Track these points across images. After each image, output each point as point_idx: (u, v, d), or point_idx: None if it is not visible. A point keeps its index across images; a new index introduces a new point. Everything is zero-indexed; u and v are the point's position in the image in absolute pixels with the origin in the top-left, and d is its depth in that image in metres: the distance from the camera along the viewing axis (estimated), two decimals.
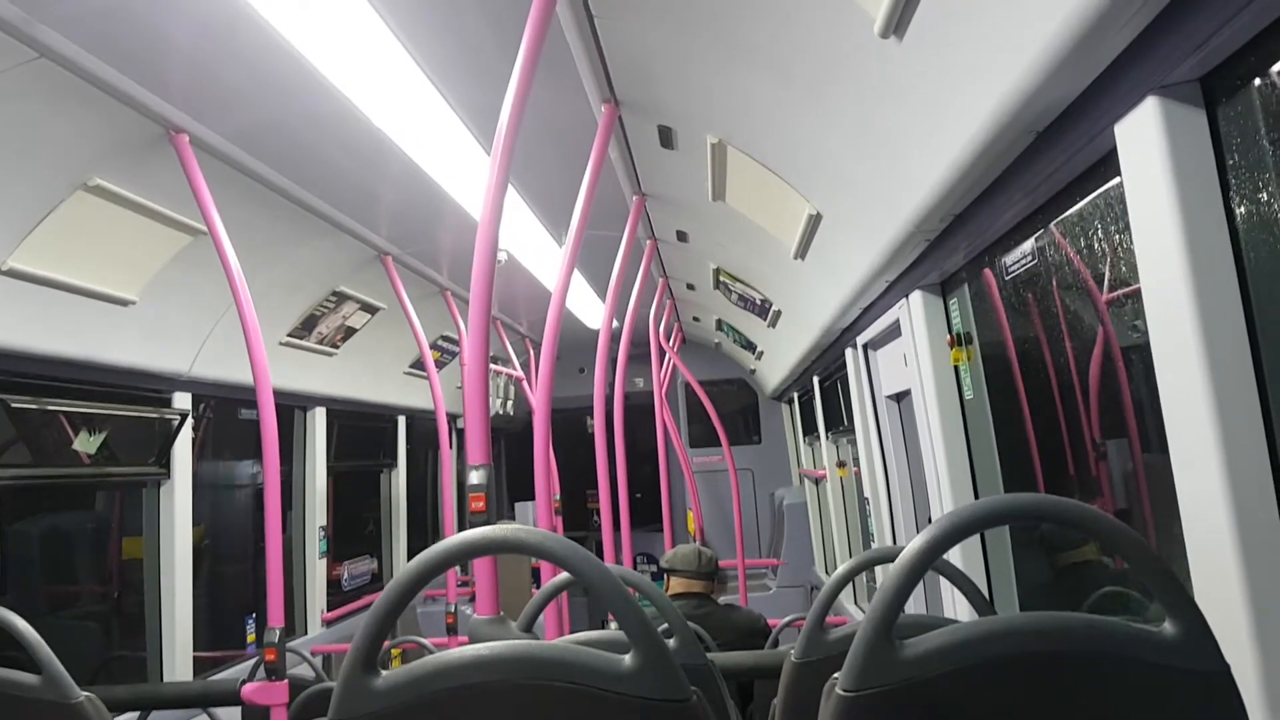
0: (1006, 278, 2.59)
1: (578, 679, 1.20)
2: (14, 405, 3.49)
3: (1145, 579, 1.17)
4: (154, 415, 4.23)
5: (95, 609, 4.52)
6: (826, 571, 7.70)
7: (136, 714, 3.51)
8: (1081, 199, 2.05)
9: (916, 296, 3.13)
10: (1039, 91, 1.63)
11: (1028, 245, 2.40)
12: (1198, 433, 1.53)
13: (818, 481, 7.66)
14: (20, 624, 2.05)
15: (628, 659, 1.22)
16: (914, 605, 4.33)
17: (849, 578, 2.20)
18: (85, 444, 3.94)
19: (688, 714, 1.21)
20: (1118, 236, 1.94)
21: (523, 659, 1.22)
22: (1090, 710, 1.15)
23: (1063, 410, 2.46)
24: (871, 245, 2.96)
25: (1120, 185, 1.72)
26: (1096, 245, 2.07)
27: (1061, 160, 1.86)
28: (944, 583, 3.15)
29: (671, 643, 2.03)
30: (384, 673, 1.22)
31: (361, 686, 1.21)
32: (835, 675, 1.22)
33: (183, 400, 4.34)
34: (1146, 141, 1.55)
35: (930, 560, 1.19)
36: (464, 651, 1.23)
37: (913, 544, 1.20)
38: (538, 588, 6.98)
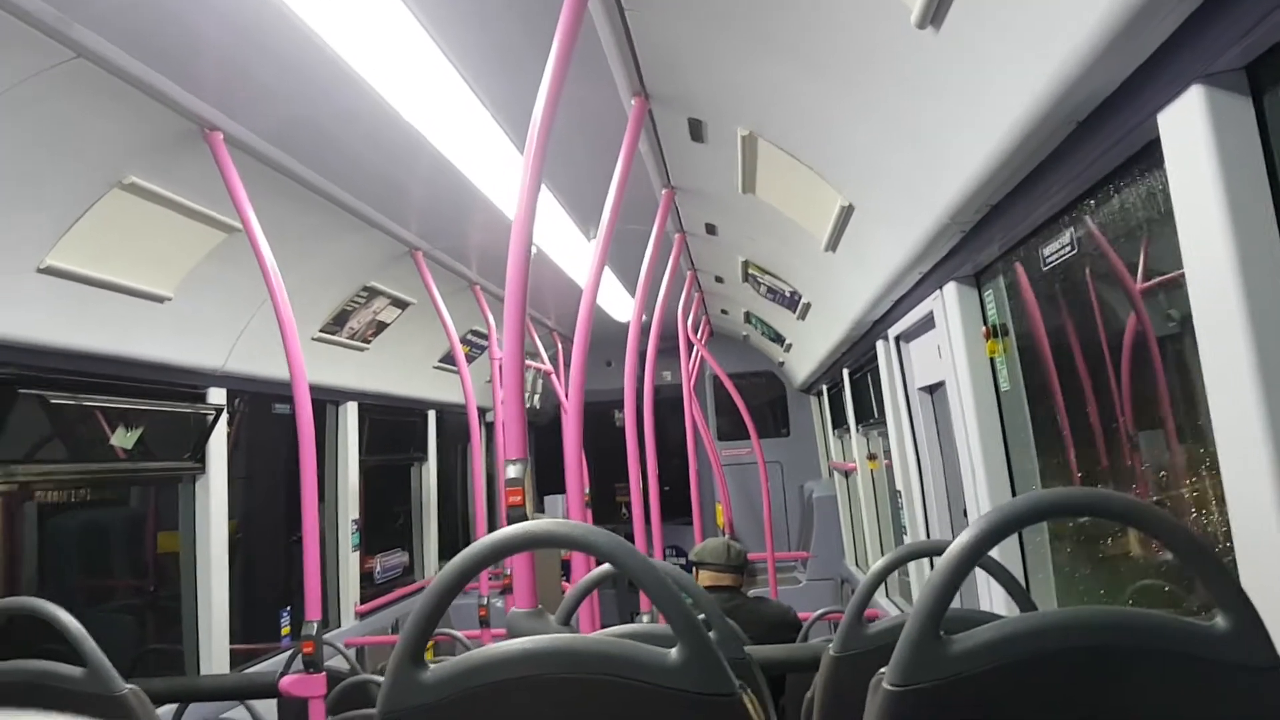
0: (1043, 268, 2.57)
1: (624, 673, 1.21)
2: (52, 401, 3.53)
3: (1196, 573, 1.16)
4: (189, 410, 4.27)
5: (131, 602, 4.57)
6: (856, 565, 7.68)
7: (174, 707, 3.55)
8: (1121, 189, 2.03)
9: (951, 288, 3.11)
10: (1080, 81, 1.61)
11: (1065, 236, 2.38)
12: (1245, 425, 1.51)
13: (847, 474, 7.63)
14: (65, 617, 2.08)
15: (673, 653, 1.22)
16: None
17: (888, 571, 2.19)
18: (122, 439, 3.98)
19: (734, 707, 1.21)
20: (1158, 227, 1.92)
21: (569, 653, 1.22)
22: (1140, 705, 1.14)
23: (1100, 402, 2.44)
24: (905, 237, 2.94)
25: (1161, 175, 1.70)
26: (1136, 236, 2.04)
27: (1102, 150, 1.84)
28: (979, 576, 3.13)
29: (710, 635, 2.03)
30: (432, 666, 1.23)
31: (410, 680, 1.22)
32: (881, 670, 1.22)
33: (217, 395, 4.38)
34: (1191, 131, 1.53)
35: (980, 554, 1.18)
36: (511, 645, 1.23)
37: (961, 538, 1.19)
38: (567, 580, 6.99)
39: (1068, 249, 2.39)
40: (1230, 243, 1.48)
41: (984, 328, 3.01)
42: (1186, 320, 1.72)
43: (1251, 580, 1.57)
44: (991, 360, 3.03)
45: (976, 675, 1.15)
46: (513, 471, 2.26)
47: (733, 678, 1.22)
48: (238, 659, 4.68)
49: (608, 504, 10.09)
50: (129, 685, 2.05)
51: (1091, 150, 1.87)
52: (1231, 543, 1.61)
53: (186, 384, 4.23)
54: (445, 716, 1.21)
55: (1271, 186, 1.47)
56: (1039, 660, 1.15)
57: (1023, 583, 2.95)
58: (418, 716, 1.21)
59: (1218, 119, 1.49)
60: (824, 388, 7.92)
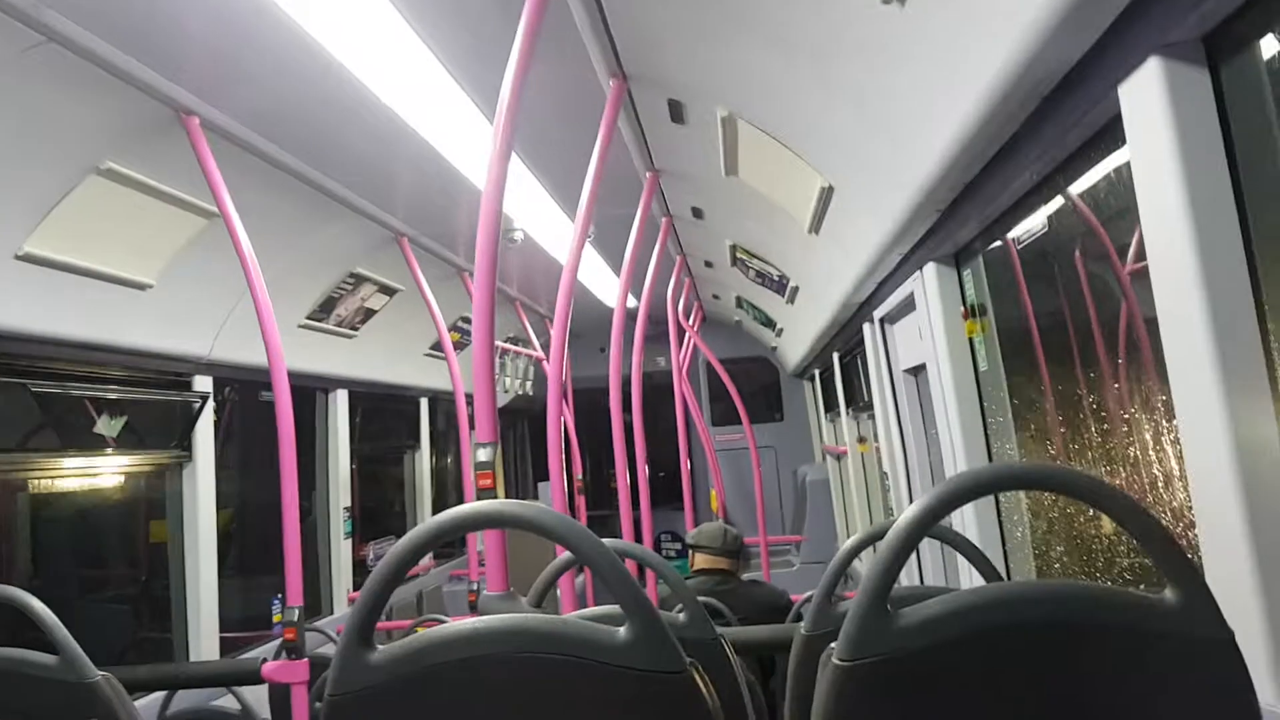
0: (1019, 248, 2.56)
1: (571, 650, 1.21)
2: (35, 389, 3.52)
3: (1144, 545, 1.16)
4: (175, 398, 4.27)
5: (124, 591, 4.58)
6: None
7: (163, 694, 3.56)
8: (1090, 165, 2.02)
9: (930, 269, 3.11)
10: (1042, 53, 1.60)
11: (1038, 214, 2.37)
12: (1204, 399, 1.50)
13: (839, 458, 7.64)
14: (36, 605, 2.08)
15: (622, 631, 1.22)
16: (936, 579, 4.32)
17: (858, 550, 2.19)
18: (107, 428, 3.98)
19: (681, 685, 1.21)
20: (1127, 202, 1.91)
21: (517, 632, 1.22)
22: (1091, 679, 1.13)
23: (1077, 381, 2.43)
24: (884, 217, 2.93)
25: (1126, 151, 1.69)
26: (1107, 212, 2.04)
27: (1068, 124, 1.83)
28: (960, 560, 3.14)
29: (682, 617, 2.03)
30: (380, 647, 1.23)
31: (358, 660, 1.22)
32: (831, 645, 1.22)
33: (203, 383, 4.37)
34: (1149, 103, 1.52)
35: (924, 528, 1.18)
36: (460, 625, 1.23)
37: (908, 511, 1.19)
38: None
39: (1041, 228, 2.39)
40: (1187, 216, 1.48)
41: (962, 308, 3.01)
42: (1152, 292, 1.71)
43: (1213, 555, 1.57)
44: (970, 341, 3.03)
45: (925, 649, 1.15)
46: (482, 455, 2.26)
47: (681, 656, 1.21)
48: (231, 647, 4.68)
49: (603, 489, 10.10)
50: (101, 673, 2.05)
51: (1058, 125, 1.87)
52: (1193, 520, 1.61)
53: (172, 372, 4.23)
54: (394, 696, 1.21)
55: (1228, 159, 1.47)
56: (989, 634, 1.15)
57: (1002, 564, 2.95)
58: (367, 696, 1.21)
59: (1175, 90, 1.48)
60: (816, 372, 7.93)
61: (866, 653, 1.16)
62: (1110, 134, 1.86)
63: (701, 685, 1.23)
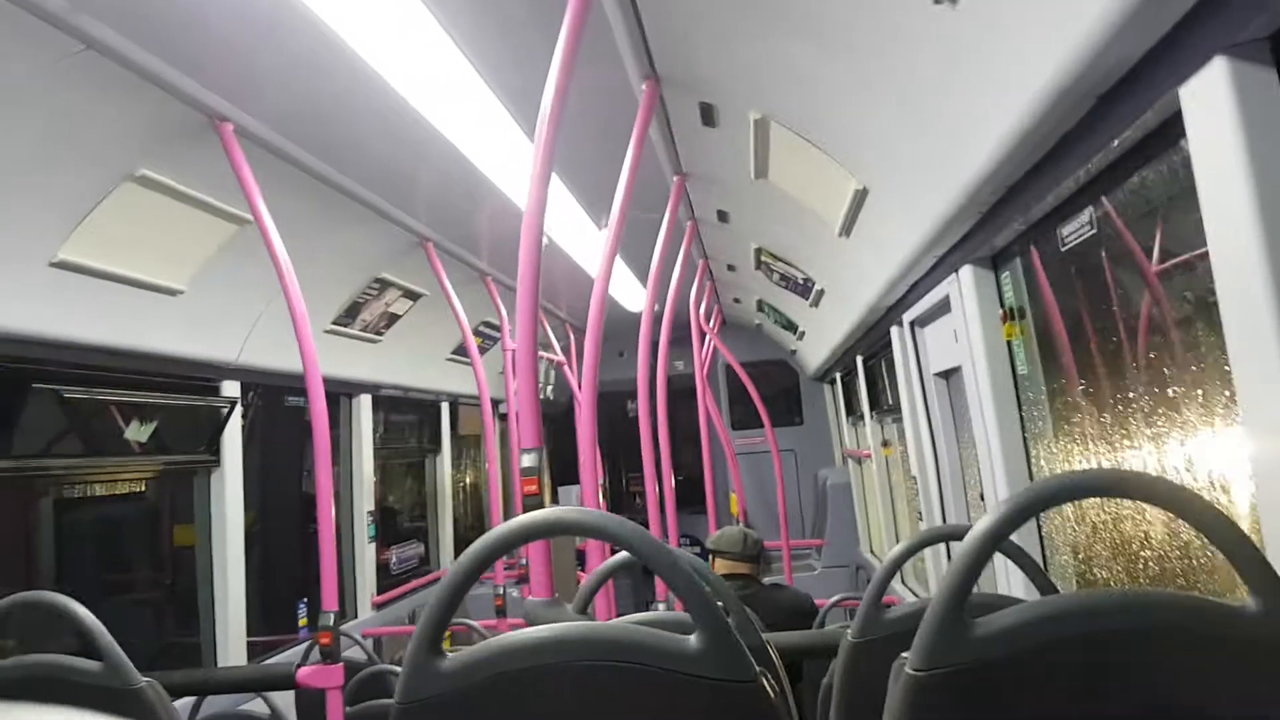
0: (1062, 249, 2.53)
1: (643, 659, 1.20)
2: (66, 395, 3.53)
3: (1225, 552, 1.14)
4: (203, 403, 4.27)
5: (149, 596, 4.58)
6: (871, 551, 7.66)
7: (192, 699, 3.56)
8: (1141, 166, 2.00)
9: (967, 271, 3.08)
10: (1100, 54, 1.58)
11: (1085, 215, 2.35)
12: (1273, 403, 1.48)
13: (861, 461, 7.61)
14: (81, 611, 2.08)
15: (693, 639, 1.21)
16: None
17: (907, 556, 2.17)
18: (136, 433, 3.99)
19: (754, 694, 1.20)
20: (1180, 205, 1.89)
21: (588, 640, 1.21)
22: (1176, 687, 1.12)
23: (1120, 385, 2.41)
24: (920, 219, 2.91)
25: (1183, 151, 1.67)
26: (1156, 215, 2.02)
27: (1123, 126, 1.81)
28: (997, 560, 3.11)
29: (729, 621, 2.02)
30: (449, 654, 1.22)
31: (428, 668, 1.21)
32: (904, 655, 1.20)
33: (231, 388, 4.38)
34: (1214, 104, 1.50)
35: (1003, 537, 1.16)
36: (529, 633, 1.22)
37: (983, 521, 1.17)
38: (582, 569, 6.97)
39: (1087, 229, 2.36)
40: (1255, 219, 1.45)
41: (1001, 311, 2.99)
42: (1208, 300, 1.69)
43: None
44: (1009, 344, 3.00)
45: (1001, 659, 1.14)
46: (528, 460, 2.25)
47: (752, 664, 1.21)
48: (255, 651, 4.69)
49: (622, 494, 10.10)
50: (145, 678, 2.05)
51: (1111, 126, 1.84)
52: (1260, 525, 1.58)
53: (200, 377, 4.24)
54: (464, 704, 1.20)
55: None
56: (1065, 643, 1.13)
57: (1040, 565, 2.93)
58: (436, 705, 1.20)
59: (1241, 91, 1.46)
60: (837, 375, 7.90)
61: (943, 662, 1.14)
62: (1162, 135, 1.84)
63: (770, 693, 1.22)
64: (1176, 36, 1.53)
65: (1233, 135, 1.47)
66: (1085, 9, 1.51)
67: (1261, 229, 1.45)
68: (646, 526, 4.66)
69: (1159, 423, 2.23)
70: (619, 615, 2.58)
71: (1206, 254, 1.64)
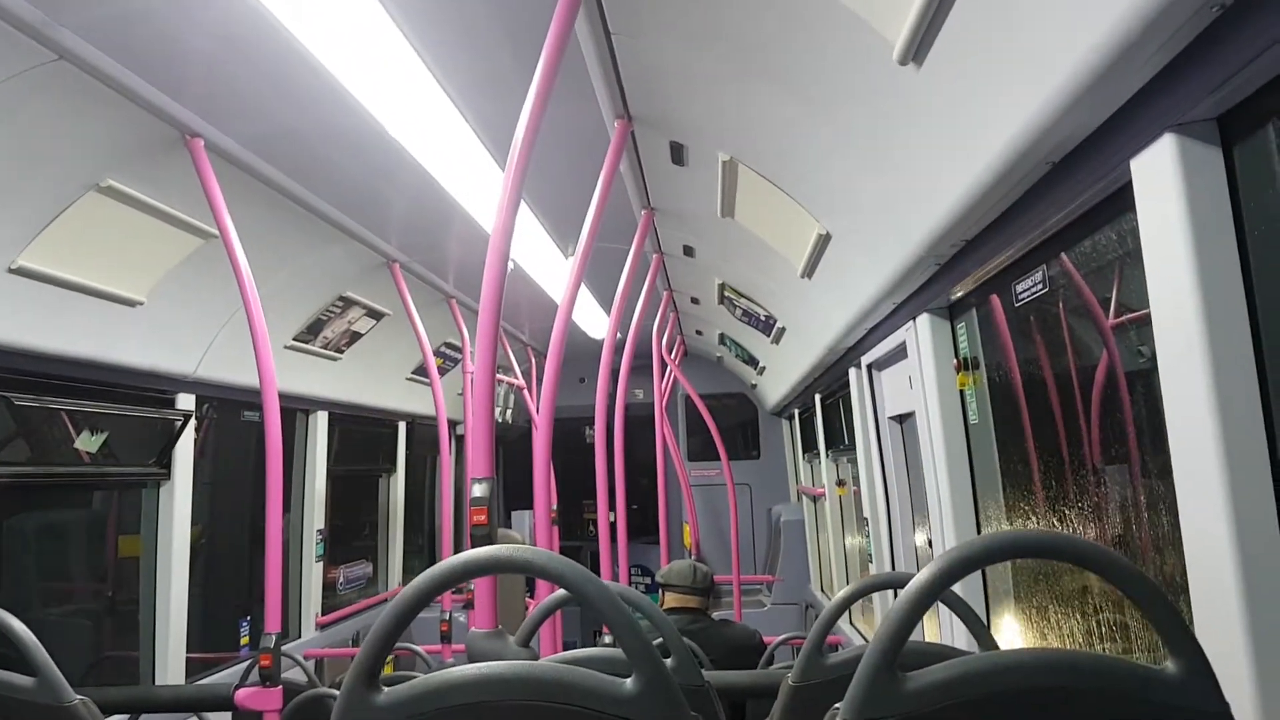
0: (1016, 304, 2.59)
1: (579, 701, 1.20)
2: (16, 402, 3.48)
3: (1149, 617, 1.17)
4: (156, 416, 4.23)
5: (88, 607, 4.51)
6: (822, 589, 7.69)
7: (128, 716, 3.50)
8: (1094, 230, 2.05)
9: (924, 319, 3.14)
10: (1056, 124, 1.64)
11: (1038, 273, 2.41)
12: (1204, 467, 1.53)
13: (815, 499, 7.65)
14: (16, 625, 2.04)
15: (629, 682, 1.22)
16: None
17: (850, 602, 2.19)
18: (86, 443, 3.93)
19: None
20: (1128, 269, 1.94)
21: (525, 680, 1.22)
22: None
23: (1068, 437, 2.46)
24: (880, 267, 2.96)
25: (1133, 218, 1.72)
26: (1107, 275, 2.07)
27: (1076, 192, 1.86)
28: (940, 606, 3.15)
29: (668, 662, 2.03)
30: (385, 690, 1.22)
31: (363, 702, 1.21)
32: (836, 706, 1.22)
33: (186, 401, 4.34)
34: (1162, 178, 1.55)
35: (938, 594, 1.19)
36: (466, 670, 1.23)
37: (920, 576, 1.19)
38: (532, 597, 6.93)
39: (1040, 286, 2.42)
40: (1195, 290, 1.50)
41: (955, 360, 3.04)
42: (1154, 359, 1.74)
43: (1205, 622, 1.58)
44: (961, 392, 3.05)
45: (930, 714, 1.16)
46: (478, 490, 2.25)
47: (687, 709, 1.22)
48: (194, 668, 4.62)
49: (575, 520, 10.07)
50: (79, 695, 2.01)
51: (1066, 191, 1.90)
52: (1187, 584, 1.63)
53: (156, 389, 4.19)
54: None
55: (1238, 235, 1.50)
56: (993, 700, 1.16)
57: (984, 617, 2.97)
58: None
59: (1188, 167, 1.51)
60: (795, 411, 7.95)
61: (874, 715, 1.16)
62: (1116, 201, 1.90)
63: None
64: (1130, 111, 1.58)
65: (1178, 208, 1.53)
66: (1045, 79, 1.56)
67: (1200, 297, 1.50)
68: (598, 555, 4.68)
69: (1106, 478, 2.28)
70: (565, 647, 2.58)
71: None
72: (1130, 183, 1.67)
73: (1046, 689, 1.16)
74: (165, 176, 3.23)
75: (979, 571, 3.02)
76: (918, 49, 1.82)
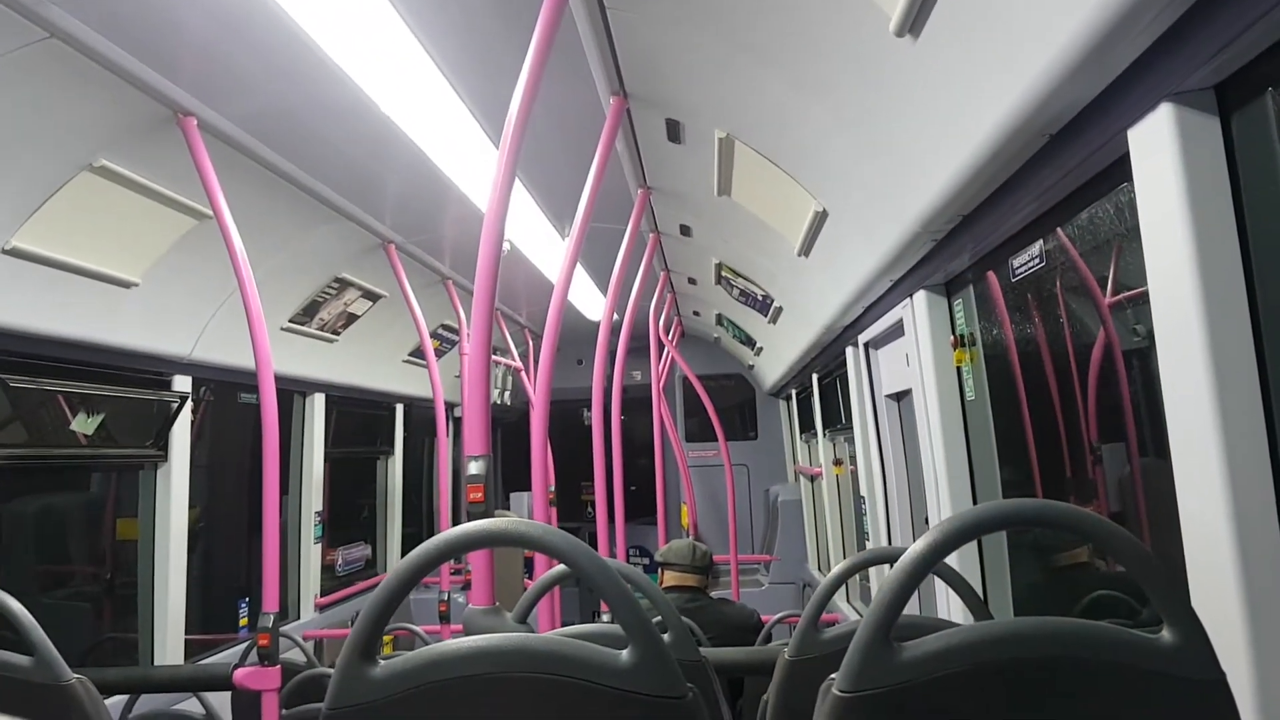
0: (1013, 280, 2.59)
1: (575, 673, 1.20)
2: (12, 384, 3.47)
3: (1145, 586, 1.17)
4: (153, 398, 4.22)
5: (87, 589, 4.51)
6: (819, 569, 7.71)
7: (125, 697, 3.51)
8: (1091, 203, 2.05)
9: (920, 296, 3.13)
10: (1054, 95, 1.63)
11: (1035, 248, 2.40)
12: (1201, 440, 1.52)
13: (813, 479, 7.66)
14: (14, 605, 2.05)
15: (625, 654, 1.22)
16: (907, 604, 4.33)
17: (845, 577, 2.20)
18: (83, 425, 3.93)
19: (684, 711, 1.21)
20: (1126, 242, 1.93)
21: (521, 652, 1.22)
22: (1086, 715, 1.15)
23: (1064, 413, 2.46)
24: (877, 244, 2.95)
25: (1130, 190, 1.71)
26: (1104, 249, 2.06)
27: (1073, 164, 1.85)
28: (938, 583, 3.15)
29: (666, 638, 2.03)
30: (382, 662, 1.22)
31: (360, 676, 1.21)
32: (832, 676, 1.22)
33: (183, 383, 4.33)
34: (1159, 148, 1.55)
35: (932, 564, 1.19)
36: (462, 643, 1.23)
37: (914, 547, 1.19)
38: (530, 577, 6.97)
39: (1037, 261, 2.41)
40: (1193, 259, 1.50)
41: (952, 337, 3.03)
42: (1151, 335, 1.74)
43: (1202, 592, 1.59)
44: (958, 369, 3.05)
45: (926, 683, 1.16)
46: (474, 468, 2.25)
47: (683, 681, 1.22)
48: (194, 649, 4.63)
49: (573, 502, 10.08)
50: (76, 675, 2.02)
51: (1063, 164, 1.89)
52: (1183, 555, 1.63)
53: (152, 371, 4.19)
54: (393, 714, 1.20)
55: (1235, 204, 1.49)
56: (987, 670, 1.16)
57: (980, 592, 2.97)
58: (365, 712, 1.20)
59: (1185, 137, 1.50)
60: (793, 392, 7.95)
61: (869, 685, 1.16)
62: (1113, 173, 1.89)
63: (700, 711, 1.24)
64: (1127, 81, 1.57)
65: (1176, 179, 1.52)
66: (1040, 50, 1.55)
67: (1199, 269, 1.50)
68: (596, 535, 4.69)
69: (1102, 453, 2.28)
70: (564, 624, 2.59)
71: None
72: (1128, 154, 1.67)
73: (1042, 658, 1.16)
74: (158, 156, 3.22)
75: (975, 551, 3.03)
76: (914, 20, 1.81)
